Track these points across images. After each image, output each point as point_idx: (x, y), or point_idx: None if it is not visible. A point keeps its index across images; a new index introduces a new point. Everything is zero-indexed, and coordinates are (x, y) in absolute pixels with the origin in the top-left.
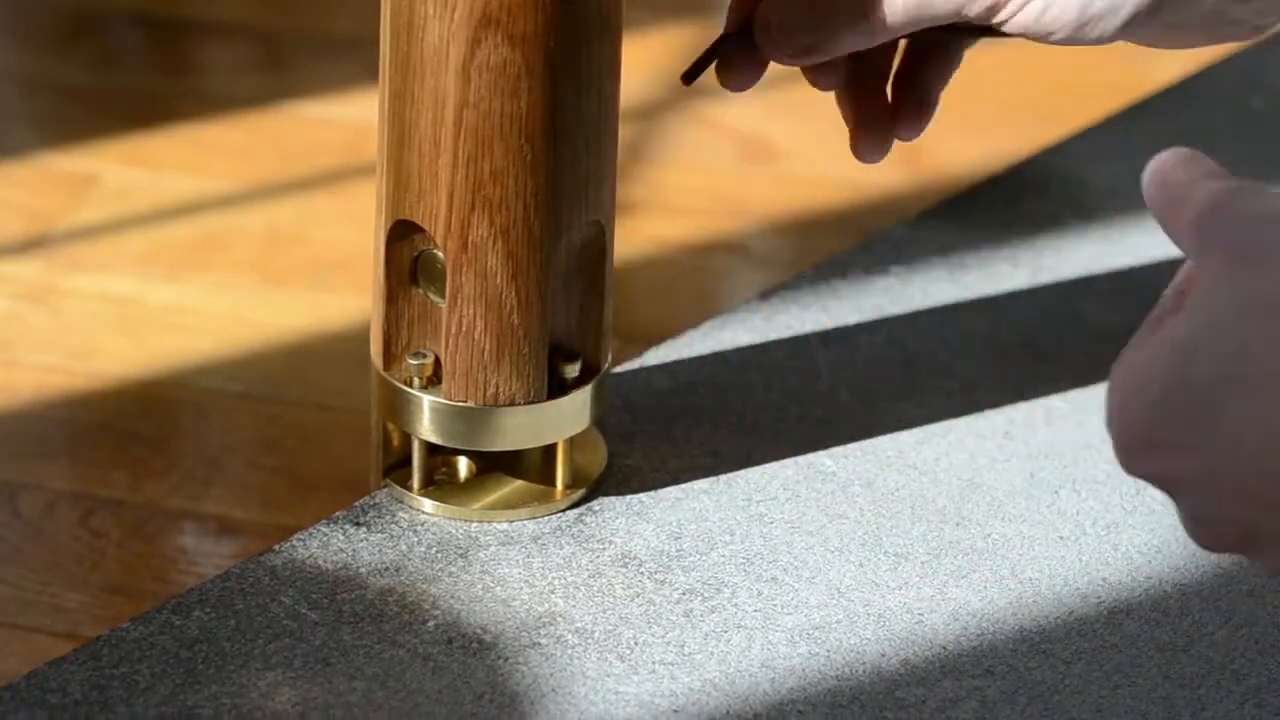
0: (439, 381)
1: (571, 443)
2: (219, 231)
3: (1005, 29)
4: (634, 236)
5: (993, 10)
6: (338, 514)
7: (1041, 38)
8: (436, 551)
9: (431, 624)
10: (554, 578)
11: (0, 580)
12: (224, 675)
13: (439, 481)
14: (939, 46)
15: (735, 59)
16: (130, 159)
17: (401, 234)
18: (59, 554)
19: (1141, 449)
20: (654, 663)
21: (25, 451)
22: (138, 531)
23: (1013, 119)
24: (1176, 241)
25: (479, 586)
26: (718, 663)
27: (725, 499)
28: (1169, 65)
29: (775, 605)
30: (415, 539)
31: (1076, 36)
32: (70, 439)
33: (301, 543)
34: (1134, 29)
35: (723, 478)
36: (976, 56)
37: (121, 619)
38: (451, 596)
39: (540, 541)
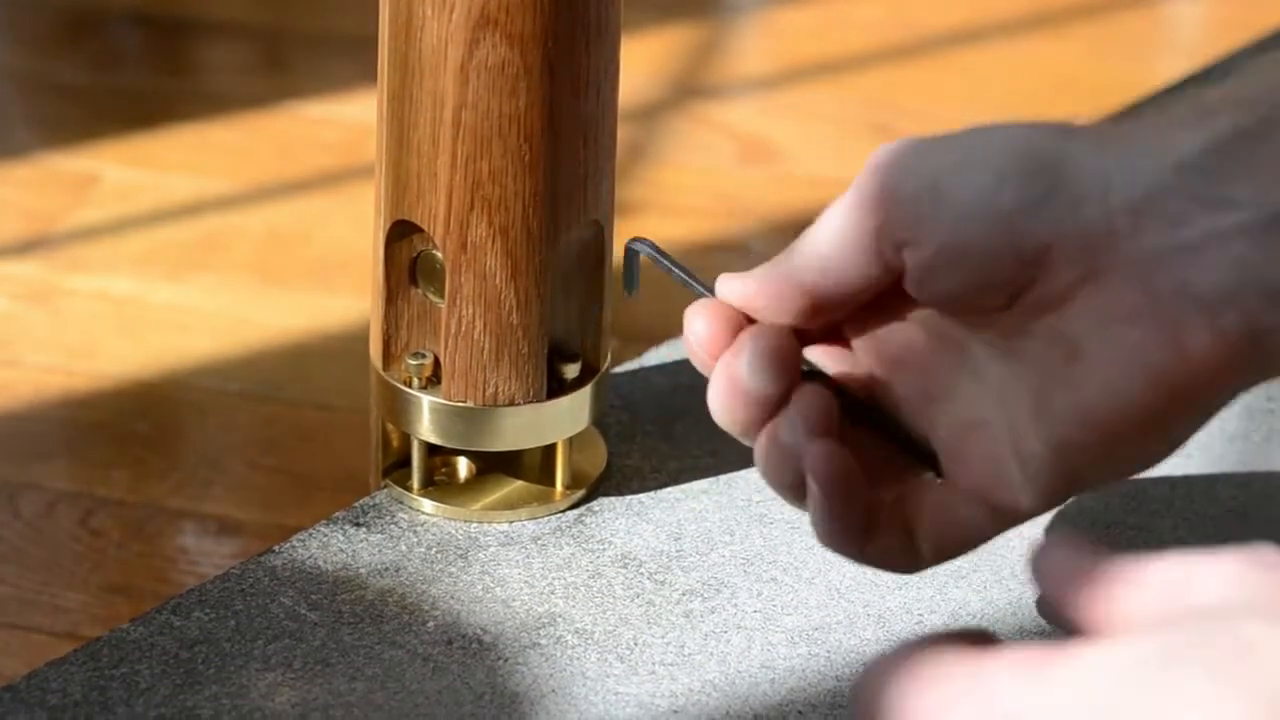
0: (438, 381)
1: (571, 443)
2: (219, 231)
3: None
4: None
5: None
6: (337, 514)
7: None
8: (436, 552)
9: (431, 624)
10: (554, 578)
11: (0, 580)
12: (224, 676)
13: (439, 482)
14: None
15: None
16: (130, 159)
17: (400, 234)
18: (59, 554)
19: None
20: (654, 663)
21: (25, 451)
22: (138, 531)
23: (1012, 119)
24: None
25: (479, 587)
26: (717, 663)
27: (725, 499)
28: (1169, 65)
29: (775, 606)
30: (415, 539)
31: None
32: (70, 439)
33: (301, 543)
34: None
35: (722, 478)
36: (976, 56)
37: (121, 619)
38: (451, 597)
39: (540, 542)
